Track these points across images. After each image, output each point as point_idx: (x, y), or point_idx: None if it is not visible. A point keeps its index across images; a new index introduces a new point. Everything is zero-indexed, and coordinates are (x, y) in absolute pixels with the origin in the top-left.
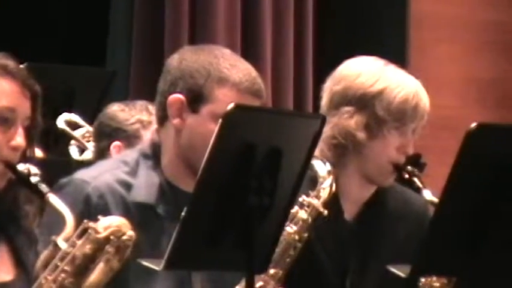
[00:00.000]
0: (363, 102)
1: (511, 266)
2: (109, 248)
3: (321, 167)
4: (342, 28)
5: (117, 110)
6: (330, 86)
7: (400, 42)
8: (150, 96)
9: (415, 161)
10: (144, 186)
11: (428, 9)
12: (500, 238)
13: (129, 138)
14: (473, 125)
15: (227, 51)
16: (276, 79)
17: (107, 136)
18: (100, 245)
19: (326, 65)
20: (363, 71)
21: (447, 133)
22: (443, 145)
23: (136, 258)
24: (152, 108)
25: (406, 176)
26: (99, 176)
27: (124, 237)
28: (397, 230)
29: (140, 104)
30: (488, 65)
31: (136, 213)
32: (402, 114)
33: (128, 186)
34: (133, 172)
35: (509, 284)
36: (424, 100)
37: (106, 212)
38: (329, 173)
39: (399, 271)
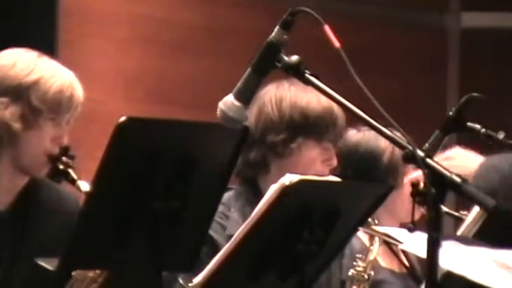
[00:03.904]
0: (18, 92)
1: (154, 257)
2: None
3: None
4: None
5: None
6: None
7: (50, 35)
8: None
9: (64, 153)
10: None
11: (78, 3)
12: (146, 231)
13: None
14: (122, 118)
15: None
16: None
17: None
18: None
19: None
20: (17, 62)
21: (97, 127)
22: (93, 139)
23: None
24: None
25: (61, 167)
26: None
27: None
28: (49, 222)
29: None
30: (136, 59)
31: None
32: (57, 105)
33: None
34: None
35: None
36: (78, 91)
37: None
38: None
39: (48, 264)
